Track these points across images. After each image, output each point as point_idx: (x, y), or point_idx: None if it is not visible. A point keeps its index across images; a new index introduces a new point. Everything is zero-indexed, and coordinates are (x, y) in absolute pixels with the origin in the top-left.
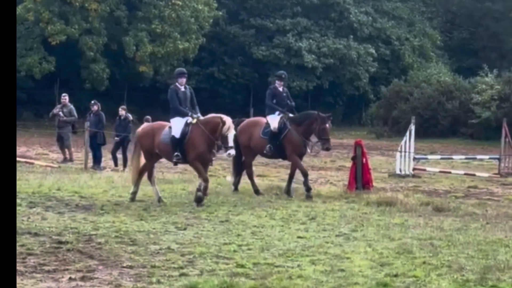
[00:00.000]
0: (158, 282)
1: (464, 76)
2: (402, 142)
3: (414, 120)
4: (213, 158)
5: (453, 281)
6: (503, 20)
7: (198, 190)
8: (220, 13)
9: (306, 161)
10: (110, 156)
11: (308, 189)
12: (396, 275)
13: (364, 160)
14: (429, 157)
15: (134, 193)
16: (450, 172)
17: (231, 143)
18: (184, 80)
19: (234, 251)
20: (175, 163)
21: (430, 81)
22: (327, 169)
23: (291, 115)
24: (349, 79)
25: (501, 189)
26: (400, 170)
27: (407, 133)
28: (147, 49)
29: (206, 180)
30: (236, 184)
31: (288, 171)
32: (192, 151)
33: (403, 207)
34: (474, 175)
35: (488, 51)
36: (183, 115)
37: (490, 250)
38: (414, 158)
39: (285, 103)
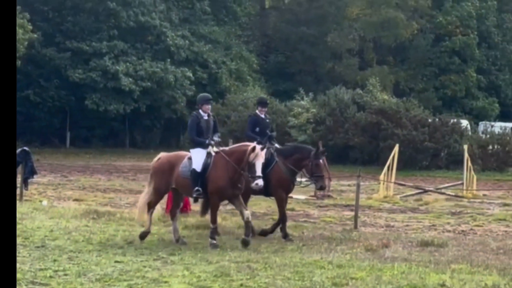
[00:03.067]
0: None
1: (280, 99)
2: None
3: (232, 143)
4: (239, 193)
5: None
6: (318, 44)
7: (211, 237)
8: (35, 35)
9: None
10: None
11: (271, 232)
12: None
13: None
14: None
15: (146, 234)
16: None
17: (259, 172)
18: (209, 107)
19: (50, 277)
20: (195, 199)
21: (247, 104)
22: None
23: (277, 145)
24: (167, 102)
25: (317, 211)
26: None
27: None
28: None
29: (213, 222)
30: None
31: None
32: (211, 185)
33: (221, 230)
34: (291, 197)
35: (304, 74)
36: (202, 146)
37: (306, 271)
38: None
39: (268, 131)
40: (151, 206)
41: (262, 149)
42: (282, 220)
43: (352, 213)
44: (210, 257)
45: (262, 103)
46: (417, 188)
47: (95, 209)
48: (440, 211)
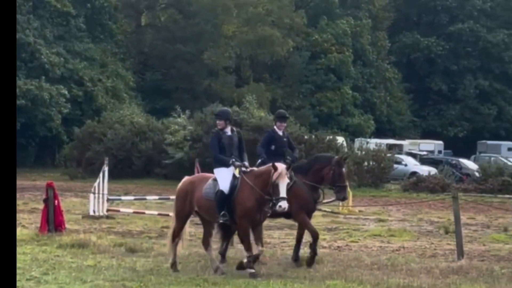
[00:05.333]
0: None
1: (157, 117)
2: (96, 183)
3: (108, 161)
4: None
5: None
6: (195, 61)
7: (248, 266)
8: None
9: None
10: None
11: (314, 254)
12: None
13: (56, 202)
14: (123, 198)
15: (174, 264)
16: (144, 213)
17: (283, 193)
18: (222, 122)
19: None
20: (221, 226)
21: (124, 122)
22: (19, 211)
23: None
24: (42, 120)
25: (194, 229)
26: (94, 212)
27: (101, 174)
28: None
29: (248, 250)
30: (223, 251)
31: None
32: (240, 208)
33: (96, 249)
34: (168, 215)
35: (181, 92)
36: (225, 165)
37: None
38: (108, 199)
39: (285, 150)
40: (175, 235)
41: (287, 168)
42: (314, 238)
43: None
44: (85, 276)
45: (280, 117)
46: None
47: None
48: (317, 227)
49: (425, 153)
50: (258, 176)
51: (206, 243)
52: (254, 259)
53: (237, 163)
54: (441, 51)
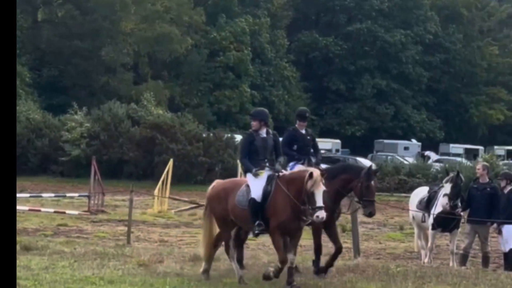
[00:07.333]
0: None
1: (54, 113)
2: None
3: None
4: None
5: None
6: (93, 58)
7: (274, 276)
8: None
9: None
10: None
11: (317, 270)
12: None
13: None
14: (19, 195)
15: (206, 271)
16: (40, 210)
17: (320, 202)
18: (256, 123)
19: None
20: (256, 235)
21: (19, 118)
22: None
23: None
24: None
25: (90, 227)
26: None
27: None
28: None
29: (283, 262)
30: (239, 258)
31: None
32: (274, 218)
33: None
34: (64, 212)
35: (78, 89)
36: (248, 170)
37: None
38: None
39: (308, 149)
40: (218, 240)
41: (322, 175)
42: (316, 251)
43: (126, 228)
44: None
45: (301, 116)
46: (191, 202)
47: None
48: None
49: (322, 151)
50: (290, 181)
51: (229, 250)
52: (291, 275)
53: (255, 172)
54: (339, 51)
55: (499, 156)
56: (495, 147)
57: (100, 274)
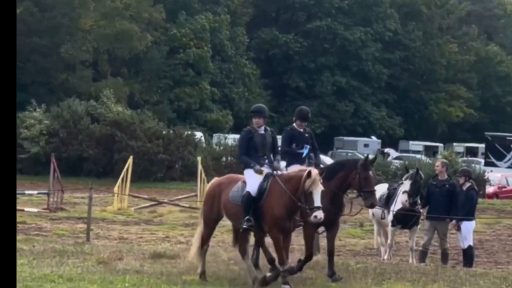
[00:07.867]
0: None
1: None
2: None
3: None
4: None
5: None
6: (51, 55)
7: (285, 283)
8: None
9: None
10: None
11: (287, 272)
12: None
13: None
14: None
15: (203, 273)
16: None
17: (317, 202)
18: (258, 120)
19: None
20: (244, 230)
21: None
22: None
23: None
24: None
25: (50, 224)
26: None
27: None
28: None
29: (281, 263)
30: (255, 260)
31: None
32: (269, 216)
33: None
34: (23, 210)
35: (37, 86)
36: (248, 166)
37: (35, 286)
38: None
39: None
40: (203, 241)
41: (320, 174)
42: (306, 256)
43: (85, 226)
44: None
45: (301, 117)
46: (151, 200)
47: None
48: (174, 222)
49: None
50: (287, 180)
51: (243, 251)
52: (290, 272)
53: (257, 168)
54: (299, 48)
55: (458, 153)
56: (455, 144)
57: (59, 272)
